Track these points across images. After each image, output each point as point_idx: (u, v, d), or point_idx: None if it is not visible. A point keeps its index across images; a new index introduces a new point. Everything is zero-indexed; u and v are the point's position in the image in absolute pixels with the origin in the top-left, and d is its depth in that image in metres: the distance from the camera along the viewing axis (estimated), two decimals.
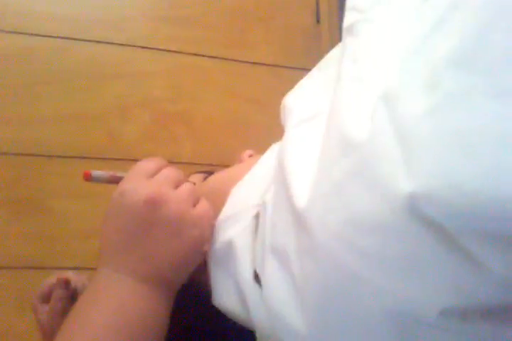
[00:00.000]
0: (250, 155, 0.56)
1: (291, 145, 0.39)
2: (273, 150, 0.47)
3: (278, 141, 0.48)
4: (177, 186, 0.43)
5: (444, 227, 0.27)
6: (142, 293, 0.40)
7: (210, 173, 0.55)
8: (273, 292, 0.35)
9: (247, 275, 0.39)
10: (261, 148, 0.51)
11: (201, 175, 0.54)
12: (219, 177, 0.53)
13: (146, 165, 0.44)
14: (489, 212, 0.26)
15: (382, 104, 0.31)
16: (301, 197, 0.34)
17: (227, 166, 0.55)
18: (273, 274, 0.36)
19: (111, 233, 0.42)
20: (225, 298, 0.41)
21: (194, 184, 0.46)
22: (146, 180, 0.42)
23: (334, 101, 0.36)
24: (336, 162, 0.33)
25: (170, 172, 0.44)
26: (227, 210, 0.44)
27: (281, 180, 0.37)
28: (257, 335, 0.38)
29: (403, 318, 0.30)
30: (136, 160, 0.45)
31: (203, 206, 0.43)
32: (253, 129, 1.17)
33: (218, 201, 0.45)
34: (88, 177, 0.45)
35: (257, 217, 0.41)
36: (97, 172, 0.45)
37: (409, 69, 0.31)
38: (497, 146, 0.26)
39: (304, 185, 0.34)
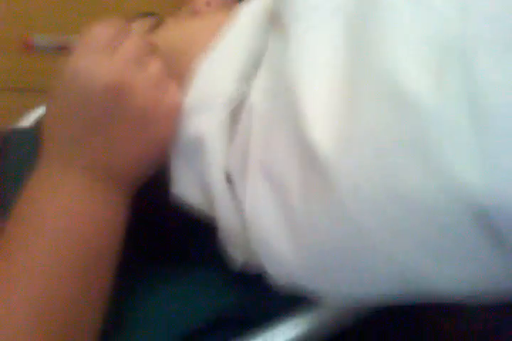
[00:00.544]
0: (208, 3, 0.43)
1: (304, 53, 0.32)
2: (251, 14, 0.38)
3: None
4: (144, 65, 0.35)
5: (503, 235, 0.24)
6: (96, 194, 0.34)
7: (156, 19, 0.43)
8: (259, 210, 0.32)
9: (218, 176, 0.34)
10: None
11: (145, 23, 0.42)
12: (176, 35, 0.42)
13: (103, 32, 0.34)
14: None
15: (455, 57, 0.25)
16: (318, 134, 0.29)
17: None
18: (262, 194, 0.32)
19: (60, 122, 0.35)
20: (186, 189, 0.36)
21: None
22: (105, 56, 0.33)
23: (372, 15, 0.29)
24: (380, 115, 0.27)
25: (135, 45, 0.35)
26: (194, 92, 0.36)
27: (287, 94, 0.31)
28: (220, 229, 0.35)
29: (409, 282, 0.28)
30: None
31: (175, 93, 0.36)
32: None
33: (179, 71, 0.37)
34: (30, 47, 0.35)
35: (234, 112, 0.34)
36: (40, 40, 0.35)
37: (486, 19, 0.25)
38: None
39: (321, 118, 0.29)
